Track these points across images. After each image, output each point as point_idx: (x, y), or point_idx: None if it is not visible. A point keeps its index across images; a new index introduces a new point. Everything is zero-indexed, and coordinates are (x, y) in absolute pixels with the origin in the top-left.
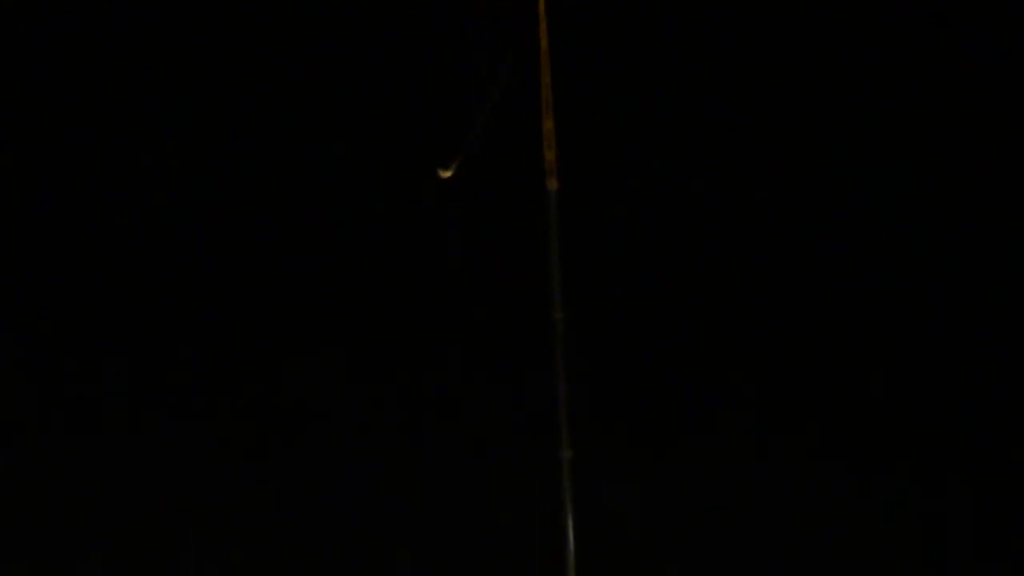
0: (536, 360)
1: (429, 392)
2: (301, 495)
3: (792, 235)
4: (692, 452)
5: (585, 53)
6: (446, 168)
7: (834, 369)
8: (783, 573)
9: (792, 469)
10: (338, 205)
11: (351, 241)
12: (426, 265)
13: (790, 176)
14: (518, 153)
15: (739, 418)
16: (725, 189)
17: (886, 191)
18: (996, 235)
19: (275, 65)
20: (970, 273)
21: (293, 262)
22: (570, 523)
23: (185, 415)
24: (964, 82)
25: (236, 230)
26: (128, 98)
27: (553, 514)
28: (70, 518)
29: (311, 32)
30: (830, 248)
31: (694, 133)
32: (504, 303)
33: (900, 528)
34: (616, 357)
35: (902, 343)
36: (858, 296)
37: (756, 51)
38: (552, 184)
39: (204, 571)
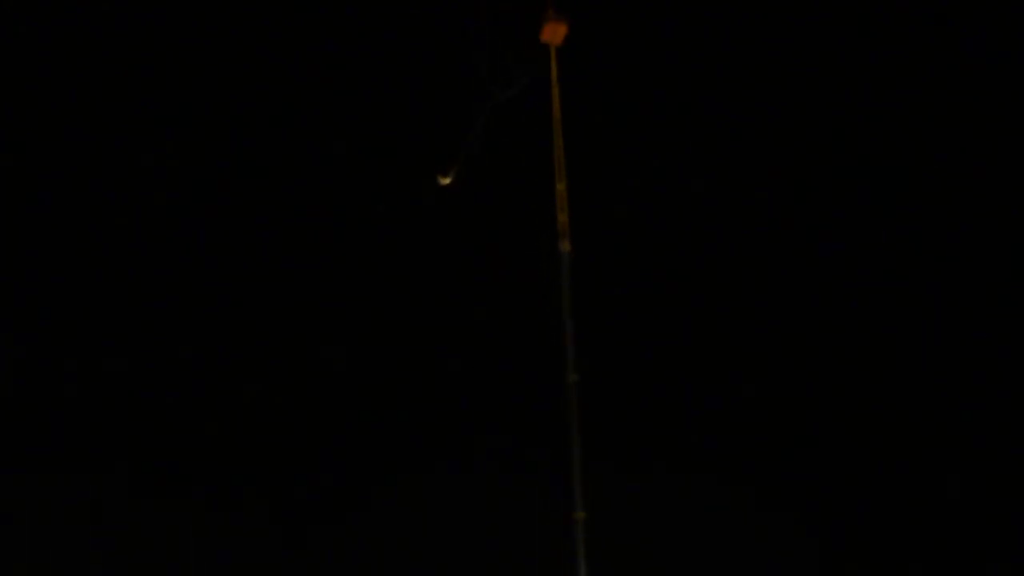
0: (551, 422)
1: (443, 454)
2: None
3: (813, 294)
4: (708, 513)
5: (597, 116)
6: (445, 175)
7: (861, 437)
8: None
9: (811, 530)
10: (342, 270)
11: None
12: (440, 327)
13: (806, 240)
14: (530, 216)
15: (756, 479)
16: (740, 247)
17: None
18: (996, 237)
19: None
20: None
21: (294, 280)
22: None
23: (188, 418)
24: (964, 82)
25: (236, 234)
26: (128, 98)
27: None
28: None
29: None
30: (858, 295)
31: (708, 191)
32: (519, 366)
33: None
34: (631, 418)
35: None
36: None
37: (770, 106)
38: (565, 246)
39: (206, 572)
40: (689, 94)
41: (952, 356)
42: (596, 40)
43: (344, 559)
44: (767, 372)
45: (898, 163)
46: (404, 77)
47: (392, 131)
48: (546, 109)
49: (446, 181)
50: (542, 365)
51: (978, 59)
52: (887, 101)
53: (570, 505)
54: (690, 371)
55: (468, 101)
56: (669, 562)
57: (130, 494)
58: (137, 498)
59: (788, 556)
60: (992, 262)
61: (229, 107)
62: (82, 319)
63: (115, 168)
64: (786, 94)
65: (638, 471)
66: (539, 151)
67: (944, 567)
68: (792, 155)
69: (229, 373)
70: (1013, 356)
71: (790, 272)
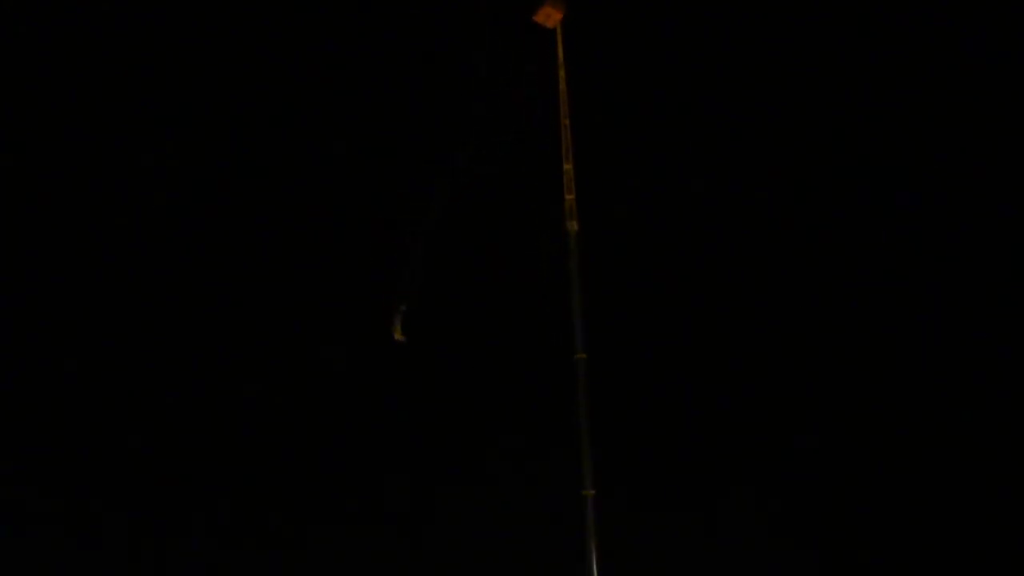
0: (558, 399)
1: (451, 433)
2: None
3: (820, 268)
4: (715, 487)
5: (603, 96)
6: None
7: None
8: None
9: (815, 520)
10: (354, 255)
11: (361, 285)
12: (447, 306)
13: (813, 215)
14: (538, 196)
15: (762, 457)
16: (748, 228)
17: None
18: (996, 237)
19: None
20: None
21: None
22: (594, 563)
23: (193, 419)
24: (964, 82)
25: (237, 234)
26: (128, 98)
27: (576, 553)
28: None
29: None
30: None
31: (714, 169)
32: (526, 344)
33: None
34: (638, 396)
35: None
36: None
37: (777, 87)
38: (572, 226)
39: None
40: (698, 73)
41: (954, 356)
42: (602, 19)
43: (351, 532)
44: (775, 353)
45: (906, 163)
46: (404, 74)
47: (393, 126)
48: (553, 89)
49: (399, 336)
50: (549, 343)
51: (978, 59)
52: (894, 101)
53: (579, 483)
54: (697, 349)
55: (470, 94)
56: (677, 539)
57: (128, 494)
58: (135, 499)
59: (795, 536)
60: (992, 262)
61: (229, 107)
62: (82, 319)
63: (115, 168)
64: (791, 79)
65: (646, 448)
66: (546, 131)
67: (944, 567)
68: (800, 138)
69: (233, 374)
70: (1013, 356)
71: (797, 248)
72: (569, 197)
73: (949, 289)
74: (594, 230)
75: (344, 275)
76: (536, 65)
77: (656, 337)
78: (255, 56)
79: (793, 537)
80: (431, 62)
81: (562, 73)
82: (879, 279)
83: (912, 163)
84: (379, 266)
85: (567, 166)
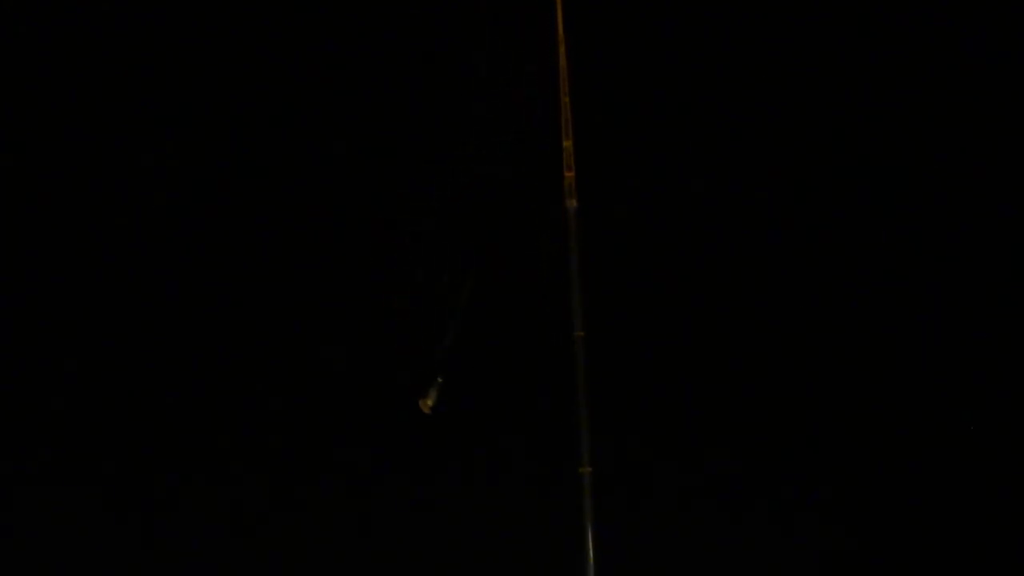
0: (556, 377)
1: (446, 411)
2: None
3: (823, 258)
4: (715, 468)
5: (604, 73)
6: (426, 398)
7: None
8: None
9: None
10: (352, 226)
11: (360, 262)
12: (444, 283)
13: (815, 204)
14: (536, 173)
15: (764, 435)
16: (749, 204)
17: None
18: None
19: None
20: None
21: (299, 276)
22: (590, 541)
23: (188, 419)
24: (964, 82)
25: (236, 234)
26: (127, 98)
27: (573, 531)
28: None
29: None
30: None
31: (715, 149)
32: (524, 322)
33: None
34: (637, 375)
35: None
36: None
37: (779, 73)
38: (571, 203)
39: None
40: (704, 50)
41: (955, 356)
42: None
43: (346, 509)
44: (777, 330)
45: (907, 163)
46: (401, 68)
47: (392, 125)
48: (552, 64)
49: (427, 405)
50: (548, 321)
51: (978, 59)
52: (898, 100)
53: (576, 460)
54: (698, 327)
55: (470, 89)
56: (675, 518)
57: (126, 494)
58: (133, 498)
59: (797, 518)
60: (992, 262)
61: (226, 107)
62: (82, 319)
63: (115, 168)
64: (801, 57)
65: (644, 427)
66: (545, 107)
67: (945, 568)
68: (804, 130)
69: (231, 373)
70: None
71: (802, 226)
72: (569, 175)
73: (950, 289)
74: (594, 208)
75: (341, 274)
76: (536, 65)
77: (656, 315)
78: (252, 54)
79: (795, 518)
80: (428, 54)
81: (562, 48)
82: (880, 260)
83: (912, 163)
84: (377, 265)
85: (567, 143)
